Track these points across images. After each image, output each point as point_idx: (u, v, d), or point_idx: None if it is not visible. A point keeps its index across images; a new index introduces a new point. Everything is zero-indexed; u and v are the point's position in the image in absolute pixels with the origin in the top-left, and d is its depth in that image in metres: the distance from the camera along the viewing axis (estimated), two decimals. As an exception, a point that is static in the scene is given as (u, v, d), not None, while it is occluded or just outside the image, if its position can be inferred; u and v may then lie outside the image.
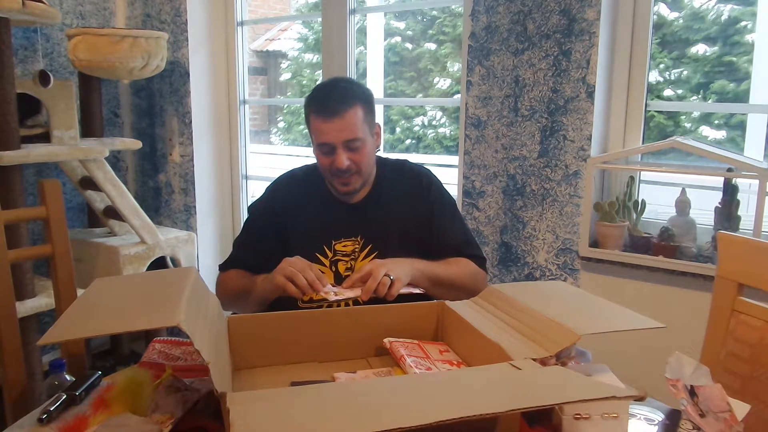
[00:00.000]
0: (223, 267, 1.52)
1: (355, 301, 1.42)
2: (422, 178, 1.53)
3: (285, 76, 8.21)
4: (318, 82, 1.46)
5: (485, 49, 2.06)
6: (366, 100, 1.40)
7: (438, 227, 1.49)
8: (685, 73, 4.82)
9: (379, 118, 3.04)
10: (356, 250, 1.44)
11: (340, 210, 1.47)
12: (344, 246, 1.44)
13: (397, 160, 1.58)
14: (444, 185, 1.56)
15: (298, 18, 9.81)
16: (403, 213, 1.48)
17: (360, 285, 1.26)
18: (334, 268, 1.43)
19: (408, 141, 7.40)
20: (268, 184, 1.57)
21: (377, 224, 1.45)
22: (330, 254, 1.43)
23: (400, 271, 1.27)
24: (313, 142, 1.41)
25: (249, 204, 1.59)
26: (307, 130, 1.46)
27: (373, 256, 1.42)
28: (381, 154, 1.61)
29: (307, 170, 1.54)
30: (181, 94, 2.81)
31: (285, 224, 1.47)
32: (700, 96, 4.75)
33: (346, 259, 1.43)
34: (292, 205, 1.48)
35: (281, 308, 1.25)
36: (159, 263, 2.57)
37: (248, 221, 1.55)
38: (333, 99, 1.36)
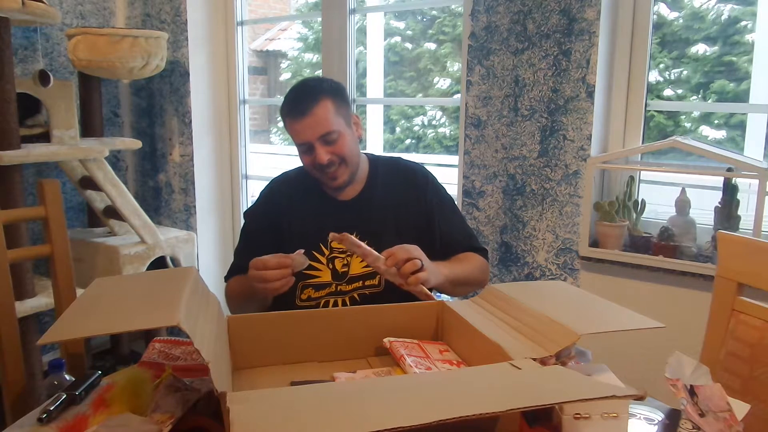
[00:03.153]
0: (227, 277, 1.52)
1: (353, 299, 1.42)
2: (417, 175, 1.53)
3: (285, 76, 8.20)
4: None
5: (485, 48, 2.06)
6: (334, 92, 1.40)
7: (442, 226, 1.49)
8: (685, 73, 4.82)
9: (379, 118, 3.06)
10: None
11: (334, 207, 1.48)
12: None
13: (390, 158, 1.58)
14: (439, 181, 1.56)
15: (298, 18, 9.81)
16: (399, 209, 1.48)
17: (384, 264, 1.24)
18: (331, 265, 1.43)
19: (408, 141, 7.40)
20: (267, 183, 1.57)
21: (372, 221, 1.46)
22: (327, 252, 1.43)
23: (432, 270, 1.27)
24: (295, 145, 1.43)
25: (244, 210, 1.59)
26: None
27: None
28: (375, 152, 1.61)
29: (299, 171, 1.54)
30: (181, 94, 2.81)
31: (281, 225, 1.47)
32: (700, 96, 4.75)
33: (342, 255, 1.44)
34: (288, 206, 1.49)
35: (281, 308, 1.25)
36: (159, 263, 2.57)
37: (245, 227, 1.55)
38: (301, 98, 1.38)
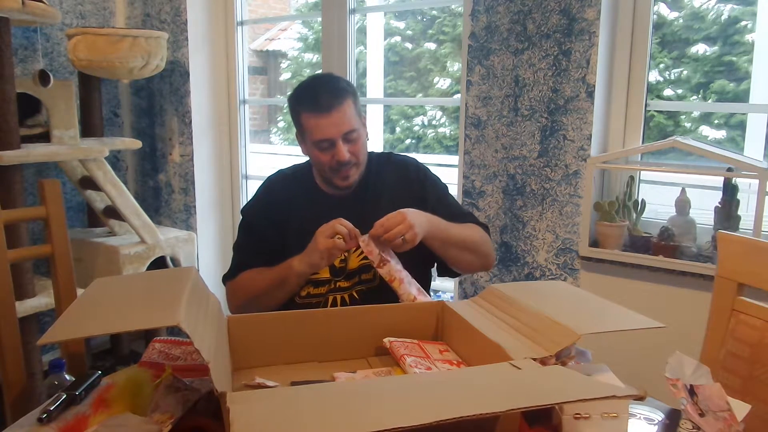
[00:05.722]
0: (230, 275, 1.49)
1: (352, 297, 1.42)
2: (410, 168, 1.55)
3: (285, 75, 8.21)
4: (298, 82, 1.48)
5: (485, 48, 2.06)
6: (353, 92, 1.44)
7: (437, 204, 1.49)
8: (685, 72, 4.82)
9: (379, 118, 3.06)
10: None
11: (331, 205, 1.48)
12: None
13: (382, 153, 1.60)
14: (431, 171, 1.57)
15: (298, 18, 9.81)
16: (394, 203, 1.47)
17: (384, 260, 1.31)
18: None
19: (408, 141, 7.40)
20: (263, 181, 1.58)
21: (368, 216, 1.45)
22: None
23: (417, 227, 1.32)
24: (307, 140, 1.42)
25: (242, 207, 1.58)
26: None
27: None
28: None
29: (295, 168, 1.56)
30: (181, 94, 2.81)
31: (282, 223, 1.48)
32: (700, 96, 4.75)
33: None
34: (287, 204, 1.50)
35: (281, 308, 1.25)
36: (159, 263, 2.57)
37: (246, 224, 1.54)
38: (325, 94, 1.38)
